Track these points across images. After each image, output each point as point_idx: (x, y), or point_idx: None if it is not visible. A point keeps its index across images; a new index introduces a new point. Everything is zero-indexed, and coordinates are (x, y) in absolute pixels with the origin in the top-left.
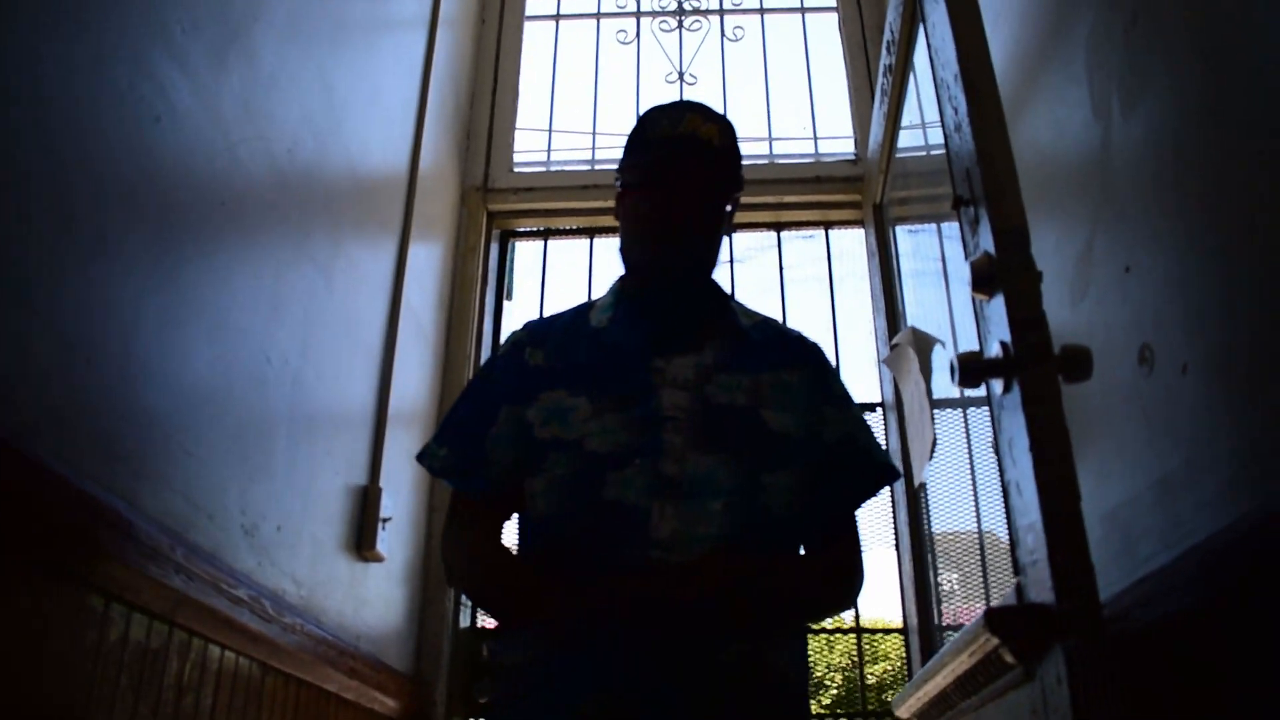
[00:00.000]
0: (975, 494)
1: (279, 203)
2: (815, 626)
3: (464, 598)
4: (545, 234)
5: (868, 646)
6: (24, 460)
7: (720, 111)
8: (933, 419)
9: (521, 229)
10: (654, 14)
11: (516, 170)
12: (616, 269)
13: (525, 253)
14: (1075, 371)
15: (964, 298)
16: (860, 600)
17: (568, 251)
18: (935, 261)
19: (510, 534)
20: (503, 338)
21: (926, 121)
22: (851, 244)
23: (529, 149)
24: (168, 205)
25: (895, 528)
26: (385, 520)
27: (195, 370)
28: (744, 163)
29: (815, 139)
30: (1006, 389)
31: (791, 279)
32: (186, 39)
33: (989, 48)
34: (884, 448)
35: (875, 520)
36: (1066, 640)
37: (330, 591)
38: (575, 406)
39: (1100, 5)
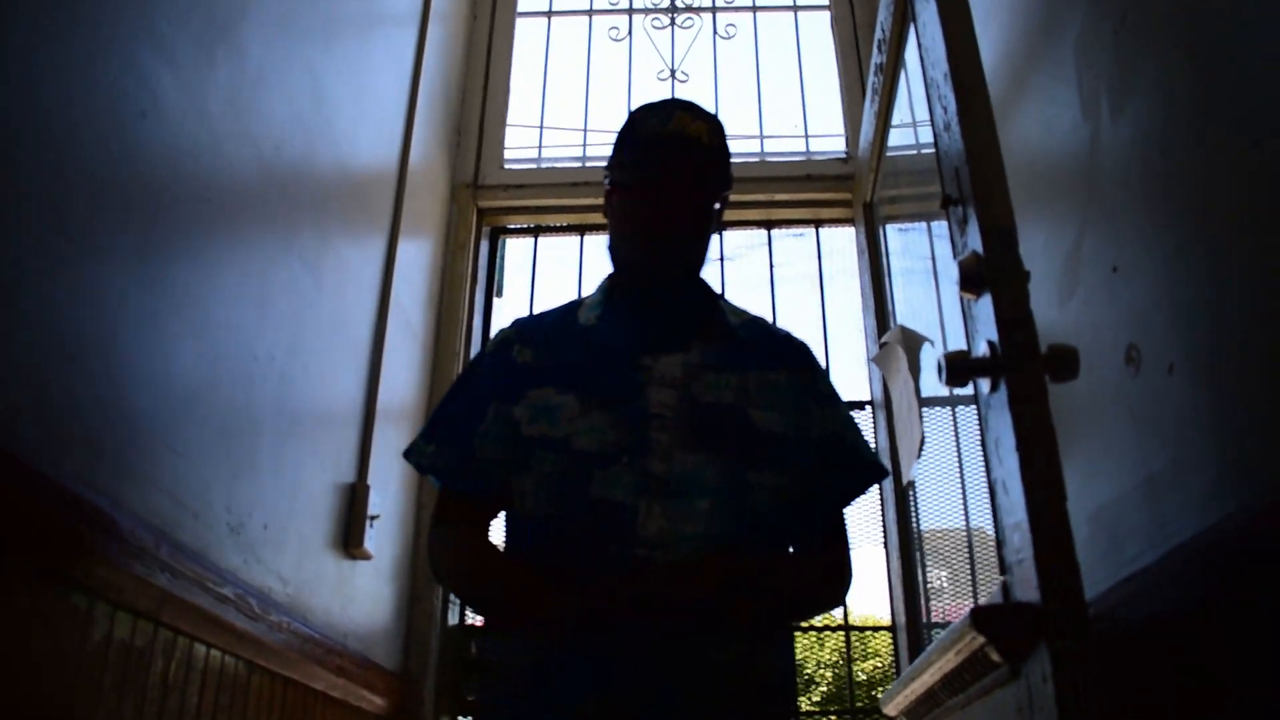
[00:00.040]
0: (964, 491)
1: (266, 199)
2: (804, 624)
3: (452, 596)
4: (536, 231)
5: (858, 643)
6: (6, 458)
7: (710, 110)
8: (921, 417)
9: (512, 226)
10: (646, 11)
11: (507, 167)
12: (607, 266)
13: (516, 249)
14: (1062, 371)
15: (953, 296)
16: (849, 598)
17: (558, 248)
18: (925, 260)
19: (496, 531)
20: (493, 335)
21: (917, 120)
22: (842, 242)
23: (520, 145)
24: (153, 202)
25: (884, 526)
26: (373, 518)
27: (181, 368)
28: (735, 160)
29: (806, 137)
30: (994, 388)
31: (782, 277)
32: (173, 34)
33: (979, 47)
34: (872, 446)
35: (864, 518)
36: (1052, 639)
37: (317, 589)
38: (563, 404)
39: (1090, 5)
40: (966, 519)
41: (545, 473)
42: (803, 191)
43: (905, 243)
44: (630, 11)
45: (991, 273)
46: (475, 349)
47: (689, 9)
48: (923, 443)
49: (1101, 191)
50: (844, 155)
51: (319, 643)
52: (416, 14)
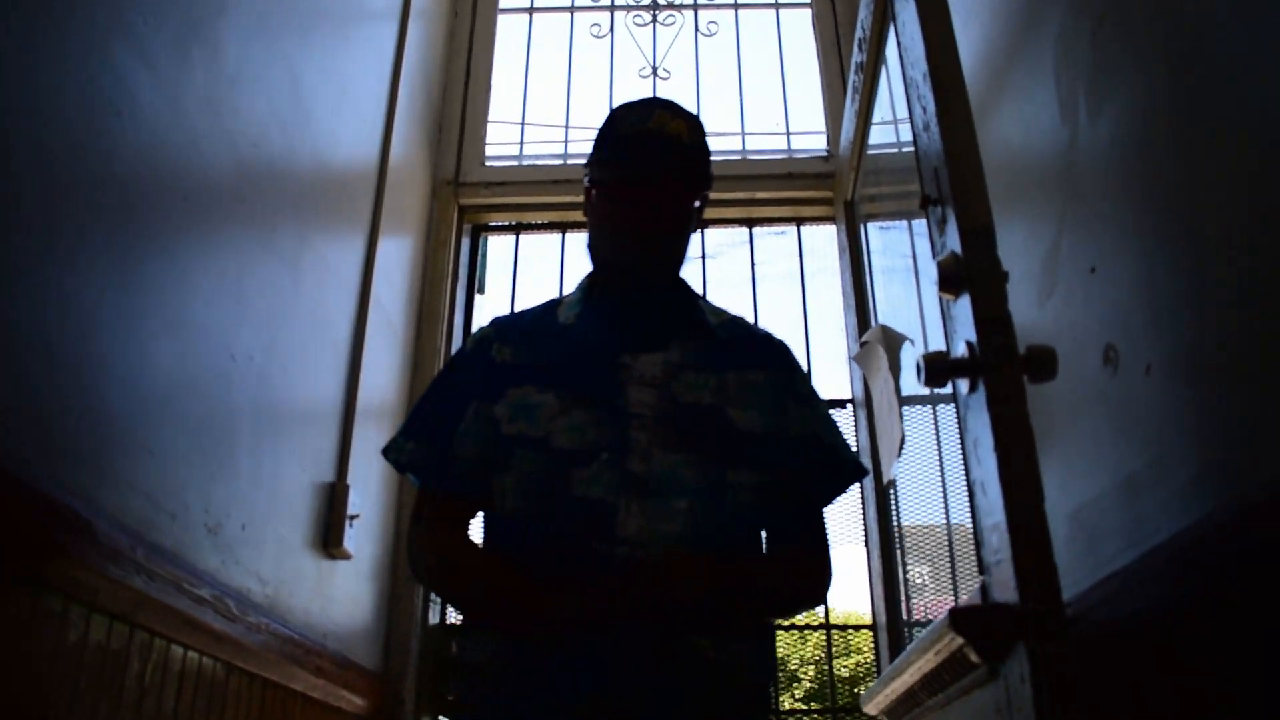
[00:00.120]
0: (944, 488)
1: (244, 197)
2: (785, 622)
3: (432, 595)
4: (517, 228)
5: (840, 640)
6: None
7: (690, 108)
8: (901, 416)
9: (493, 223)
10: (628, 8)
11: (488, 164)
12: (588, 264)
13: (497, 247)
14: (1040, 372)
15: (934, 295)
16: (830, 596)
17: (540, 245)
18: (906, 258)
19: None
20: (473, 333)
21: (898, 119)
22: (823, 240)
23: (501, 142)
24: (128, 200)
25: (865, 524)
26: (353, 517)
27: (156, 368)
28: (716, 158)
29: (788, 135)
30: (972, 389)
31: (763, 275)
32: (148, 30)
33: (958, 47)
34: (852, 445)
35: (844, 517)
36: (1030, 640)
37: (296, 590)
38: (542, 403)
39: (1069, 6)
40: (947, 515)
41: (525, 471)
42: (784, 190)
43: (886, 241)
44: (612, 8)
45: (970, 273)
46: (456, 347)
47: (670, 6)
48: (903, 441)
49: (1080, 192)
50: (825, 153)
51: (298, 643)
52: (397, 10)
